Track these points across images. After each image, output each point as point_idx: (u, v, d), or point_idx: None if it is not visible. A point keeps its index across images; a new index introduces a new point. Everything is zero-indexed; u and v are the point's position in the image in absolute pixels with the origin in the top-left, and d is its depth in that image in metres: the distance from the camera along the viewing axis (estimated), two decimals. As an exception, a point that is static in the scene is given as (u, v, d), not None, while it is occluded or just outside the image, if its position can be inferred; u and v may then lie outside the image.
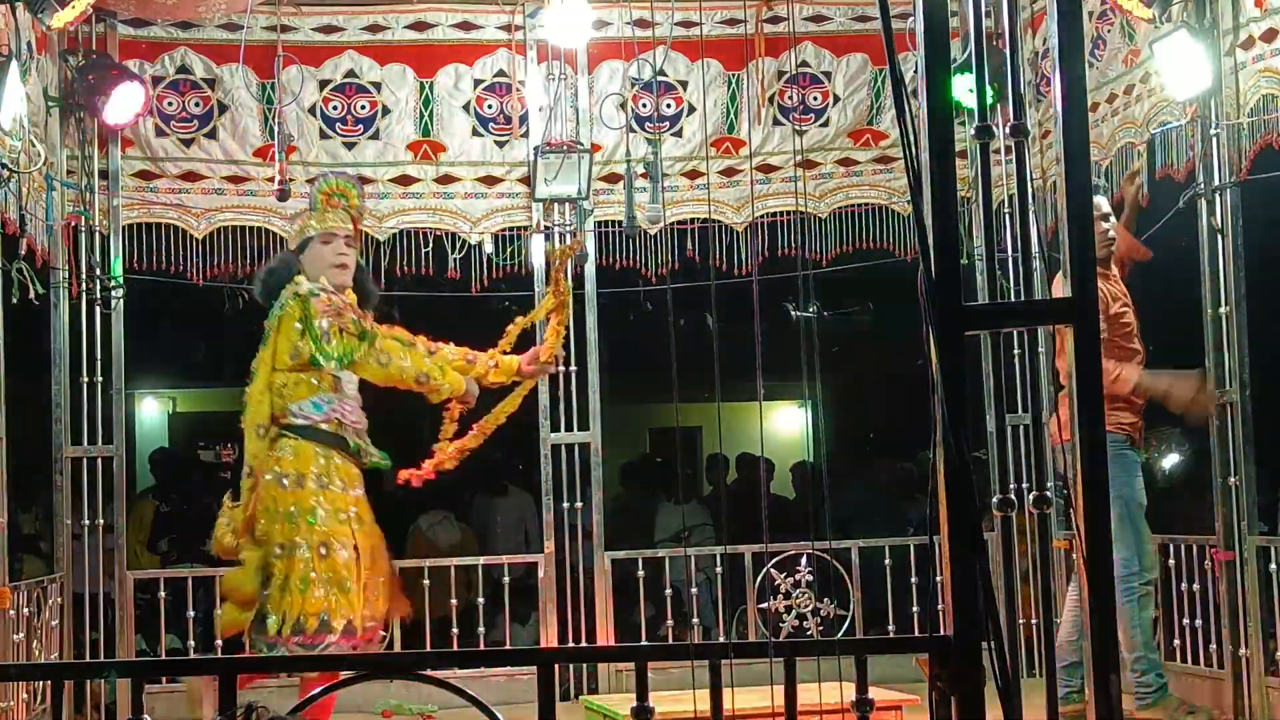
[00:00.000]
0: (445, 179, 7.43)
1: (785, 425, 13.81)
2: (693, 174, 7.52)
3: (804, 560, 7.23)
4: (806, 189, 7.48)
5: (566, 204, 7.33)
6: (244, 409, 5.43)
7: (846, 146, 7.62)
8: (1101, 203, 5.96)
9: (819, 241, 7.51)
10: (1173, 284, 7.61)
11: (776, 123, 7.60)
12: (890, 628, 7.36)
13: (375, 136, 7.37)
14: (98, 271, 7.04)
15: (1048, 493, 2.60)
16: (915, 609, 7.38)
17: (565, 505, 7.27)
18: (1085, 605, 2.51)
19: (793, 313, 5.45)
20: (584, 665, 7.06)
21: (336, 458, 5.38)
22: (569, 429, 7.32)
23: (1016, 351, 5.45)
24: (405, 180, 7.40)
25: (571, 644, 7.06)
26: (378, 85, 7.37)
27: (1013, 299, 2.90)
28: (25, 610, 6.35)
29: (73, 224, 6.95)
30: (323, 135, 7.33)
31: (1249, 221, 6.12)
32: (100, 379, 7.03)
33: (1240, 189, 6.04)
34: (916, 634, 6.58)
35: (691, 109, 7.52)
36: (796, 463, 10.68)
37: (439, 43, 7.43)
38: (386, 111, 7.38)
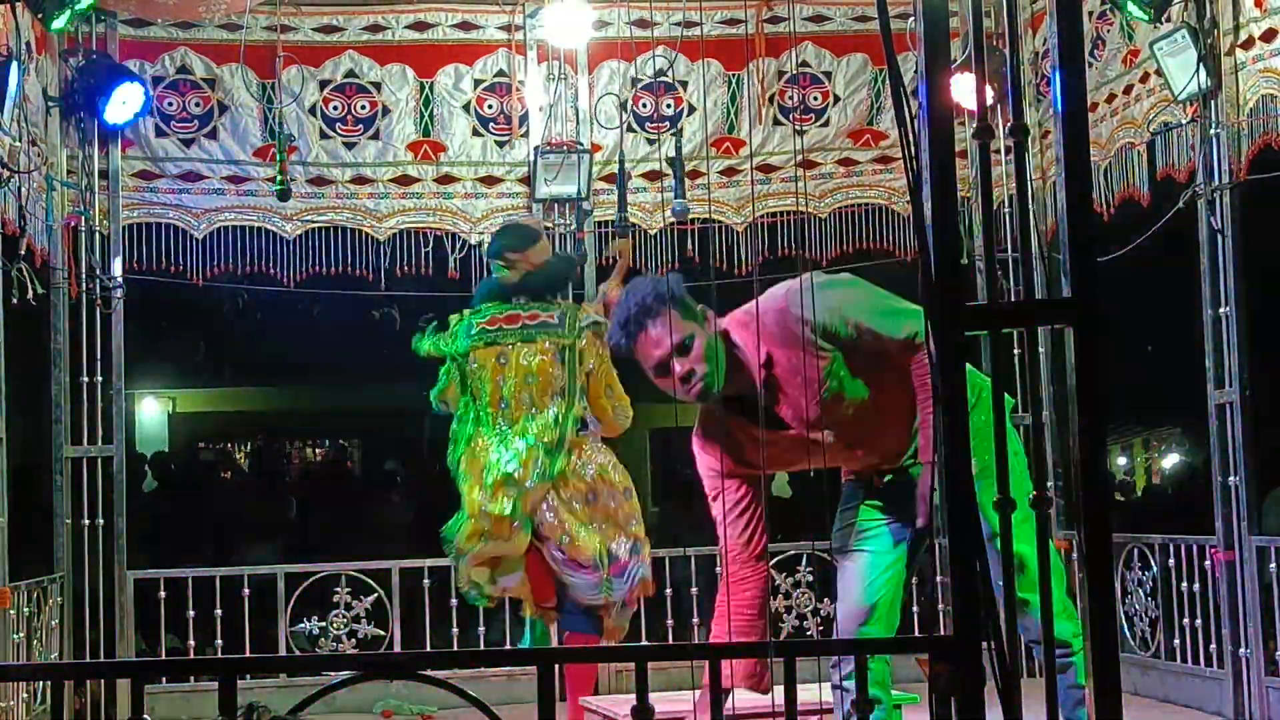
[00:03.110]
0: (445, 179, 7.44)
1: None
2: (693, 174, 7.51)
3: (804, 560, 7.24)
4: (806, 189, 7.48)
5: (566, 204, 7.33)
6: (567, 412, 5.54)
7: (846, 146, 7.62)
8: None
9: (819, 241, 7.52)
10: (1173, 284, 7.62)
11: (776, 123, 7.60)
12: (890, 628, 7.35)
13: (375, 136, 7.37)
14: (98, 271, 7.04)
15: (1048, 493, 2.59)
16: (915, 609, 7.37)
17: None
18: (1089, 604, 2.51)
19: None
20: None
21: None
22: (569, 429, 7.31)
23: (1016, 351, 5.45)
24: (405, 180, 7.40)
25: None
26: (378, 85, 7.37)
27: (1013, 299, 2.90)
28: (25, 610, 6.35)
29: (73, 224, 6.95)
30: (323, 135, 7.34)
31: (1249, 221, 6.11)
32: (100, 379, 7.03)
33: (1240, 189, 6.04)
34: (916, 634, 6.58)
35: (691, 109, 7.52)
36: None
37: (439, 43, 7.43)
38: (386, 111, 7.38)
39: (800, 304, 3.74)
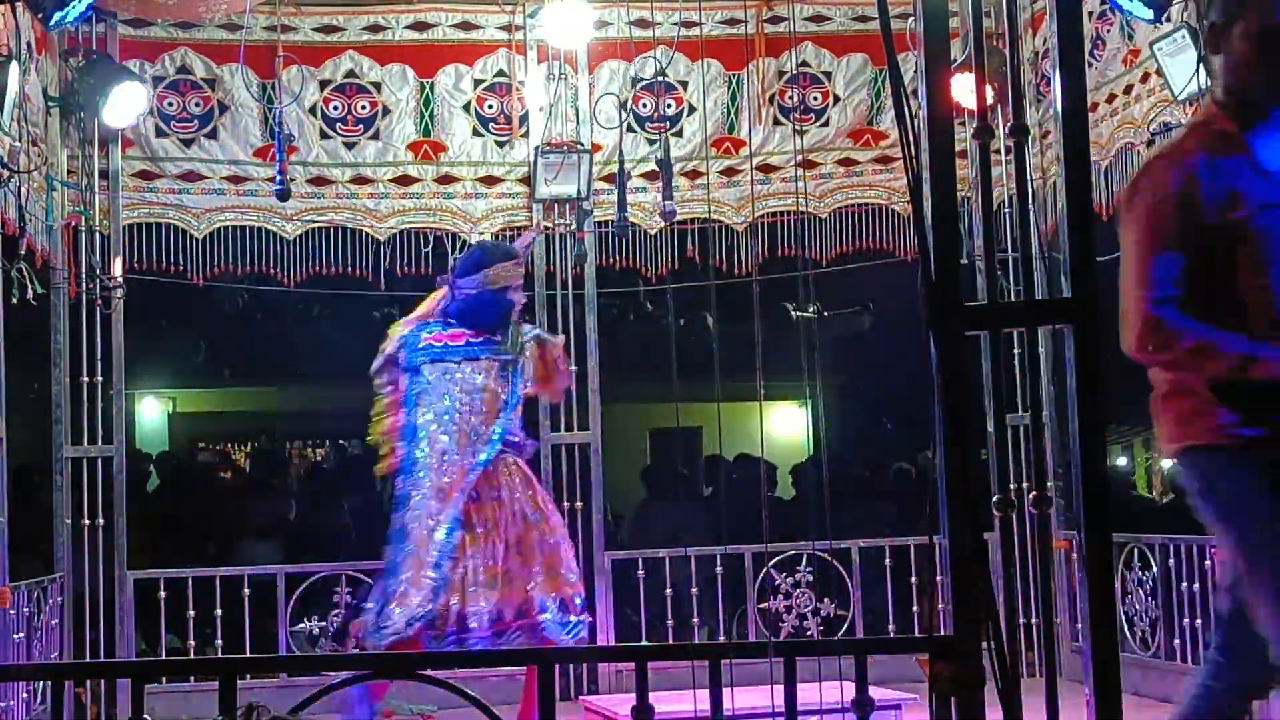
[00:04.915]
0: (445, 179, 7.44)
1: (785, 425, 13.81)
2: (693, 174, 7.52)
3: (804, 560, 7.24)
4: (806, 189, 7.48)
5: (566, 204, 7.33)
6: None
7: (846, 146, 7.63)
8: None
9: (819, 241, 7.52)
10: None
11: (776, 123, 7.60)
12: (890, 628, 7.36)
13: (375, 136, 7.37)
14: (98, 271, 7.04)
15: (1048, 493, 2.59)
16: (915, 609, 7.37)
17: (565, 505, 7.28)
18: (1089, 604, 2.51)
19: (793, 313, 5.45)
20: (584, 665, 7.05)
21: None
22: (569, 429, 7.32)
23: (1016, 351, 5.45)
24: (405, 180, 7.40)
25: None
26: (378, 85, 7.38)
27: (1013, 299, 2.90)
28: (25, 610, 6.35)
29: (73, 224, 6.95)
30: (323, 135, 7.34)
31: (1249, 221, 6.10)
32: (100, 379, 7.03)
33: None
34: (916, 634, 6.58)
35: (691, 109, 7.52)
36: (797, 464, 10.68)
37: (439, 43, 7.43)
38: (386, 111, 7.38)
39: None
